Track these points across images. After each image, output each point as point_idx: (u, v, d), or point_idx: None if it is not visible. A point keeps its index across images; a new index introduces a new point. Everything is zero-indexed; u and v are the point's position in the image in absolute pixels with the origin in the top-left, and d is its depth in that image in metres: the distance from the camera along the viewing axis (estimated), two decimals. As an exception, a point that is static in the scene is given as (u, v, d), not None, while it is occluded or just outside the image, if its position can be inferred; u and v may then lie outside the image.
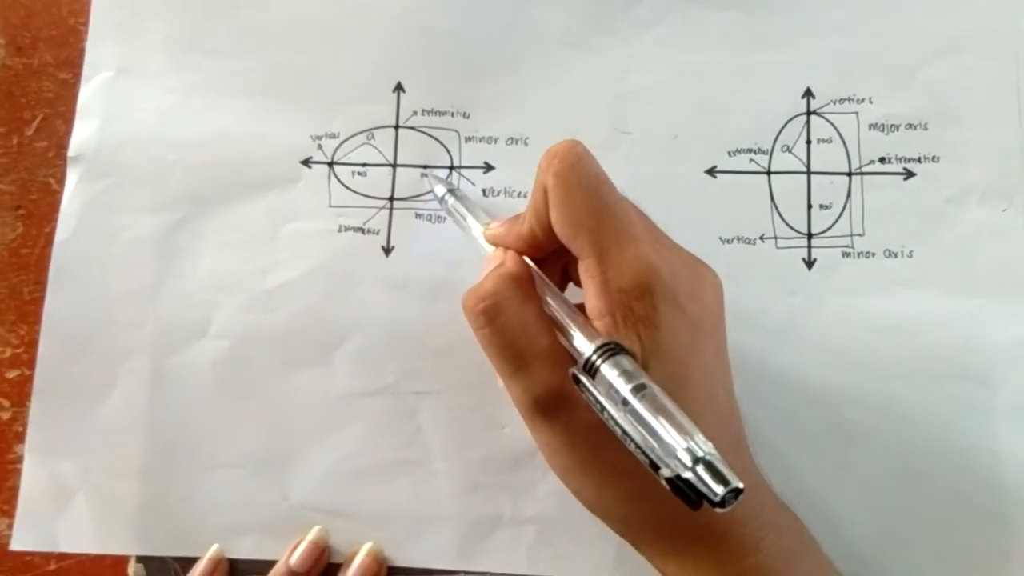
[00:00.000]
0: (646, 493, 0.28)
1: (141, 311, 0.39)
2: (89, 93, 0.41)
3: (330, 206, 0.40)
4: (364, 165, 0.40)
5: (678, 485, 0.23)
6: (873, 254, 0.38)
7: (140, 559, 0.38)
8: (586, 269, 0.28)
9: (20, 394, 0.39)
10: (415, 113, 0.40)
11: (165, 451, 0.38)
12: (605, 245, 0.28)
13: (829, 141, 0.39)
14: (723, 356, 0.31)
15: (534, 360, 0.28)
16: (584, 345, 0.27)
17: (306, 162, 0.40)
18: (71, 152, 0.40)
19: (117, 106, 0.41)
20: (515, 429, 0.37)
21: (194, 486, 0.38)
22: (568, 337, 0.28)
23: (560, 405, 0.28)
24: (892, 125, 0.39)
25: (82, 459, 0.38)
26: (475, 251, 0.35)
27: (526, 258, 0.31)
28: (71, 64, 0.42)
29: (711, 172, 0.39)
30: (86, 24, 0.42)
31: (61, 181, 0.41)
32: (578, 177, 0.28)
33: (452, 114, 0.40)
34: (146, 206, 0.40)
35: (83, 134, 0.41)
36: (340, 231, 0.40)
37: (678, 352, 0.28)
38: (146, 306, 0.39)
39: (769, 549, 0.29)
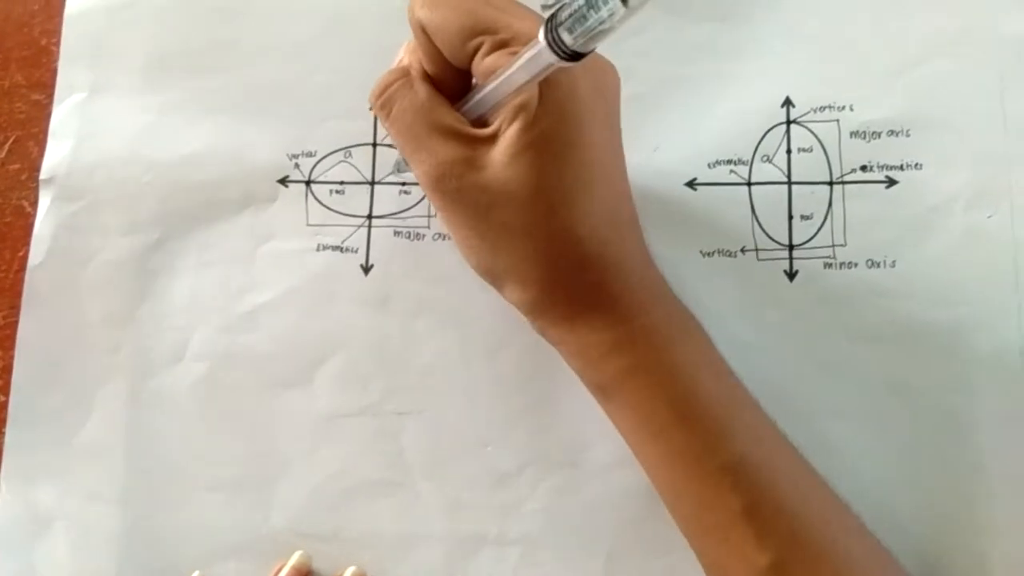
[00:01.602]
0: (544, 254, 0.31)
1: (117, 335, 0.39)
2: (62, 114, 0.41)
3: (308, 225, 0.39)
4: (342, 183, 0.40)
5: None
6: (855, 264, 0.37)
7: (121, 587, 0.37)
8: (485, 52, 0.29)
9: (-4, 420, 0.39)
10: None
11: (144, 476, 0.38)
12: (501, 25, 0.29)
13: (810, 150, 0.39)
14: (619, 146, 0.33)
15: (428, 138, 0.31)
16: None
17: (283, 181, 0.40)
18: (43, 174, 0.40)
19: (90, 127, 0.40)
20: (499, 448, 0.37)
21: (174, 511, 0.37)
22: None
23: (453, 174, 0.30)
24: (874, 132, 0.38)
25: (59, 486, 0.38)
26: (457, 269, 0.36)
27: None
28: (43, 85, 0.41)
29: (691, 185, 0.38)
30: (58, 44, 0.41)
31: (35, 204, 0.40)
32: None
33: (430, 129, 0.40)
34: (120, 228, 0.39)
35: (56, 156, 0.40)
36: (318, 250, 0.39)
37: (576, 114, 0.30)
38: (122, 330, 0.39)
39: (658, 315, 0.32)
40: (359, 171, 0.40)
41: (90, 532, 0.37)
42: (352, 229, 0.39)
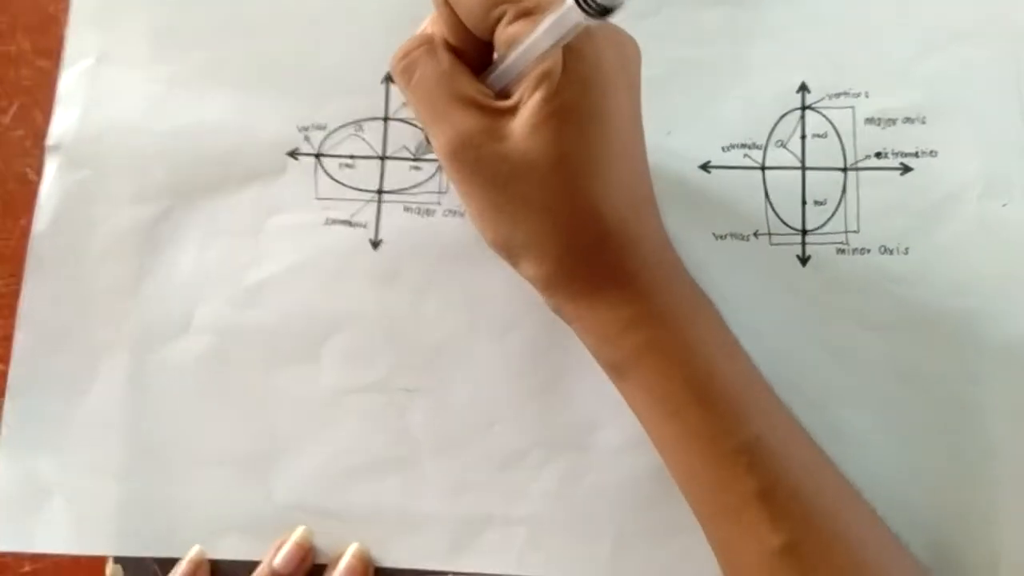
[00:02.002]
0: (563, 227, 0.30)
1: (121, 305, 0.38)
2: (70, 81, 0.40)
3: (317, 198, 0.39)
4: (352, 157, 0.39)
5: None
6: (868, 251, 0.37)
7: (118, 560, 0.36)
8: (508, 21, 0.29)
9: (-5, 390, 0.38)
10: (404, 104, 0.39)
11: (145, 449, 0.37)
12: None
13: (824, 136, 0.38)
14: (639, 122, 0.32)
15: (448, 106, 0.30)
16: None
17: (293, 154, 0.39)
18: (50, 141, 0.39)
19: (98, 95, 0.40)
20: (507, 428, 0.37)
21: (175, 485, 0.37)
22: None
23: (472, 145, 0.30)
24: (889, 119, 0.38)
25: (60, 457, 0.37)
26: (467, 246, 0.36)
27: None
28: (50, 52, 0.41)
29: (705, 167, 0.38)
30: (66, 11, 0.41)
31: (38, 171, 0.39)
32: None
33: (442, 106, 0.39)
34: (127, 197, 0.39)
35: (63, 123, 0.39)
36: (327, 224, 0.39)
37: (600, 85, 0.29)
38: (126, 300, 0.38)
39: (675, 293, 0.32)
40: (370, 145, 0.39)
41: (90, 505, 0.37)
42: (361, 204, 0.39)
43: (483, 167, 0.30)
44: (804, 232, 0.38)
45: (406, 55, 0.31)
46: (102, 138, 0.39)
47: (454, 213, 0.38)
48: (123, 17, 0.40)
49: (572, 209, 0.30)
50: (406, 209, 0.39)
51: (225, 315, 0.38)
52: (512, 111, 0.30)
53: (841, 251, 0.37)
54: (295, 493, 0.37)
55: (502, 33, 0.29)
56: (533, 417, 0.37)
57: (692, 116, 0.39)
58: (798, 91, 0.39)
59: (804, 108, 0.39)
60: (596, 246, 0.30)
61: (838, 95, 0.38)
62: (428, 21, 0.33)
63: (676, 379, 0.31)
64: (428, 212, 0.39)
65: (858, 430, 0.36)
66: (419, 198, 0.39)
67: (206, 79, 0.40)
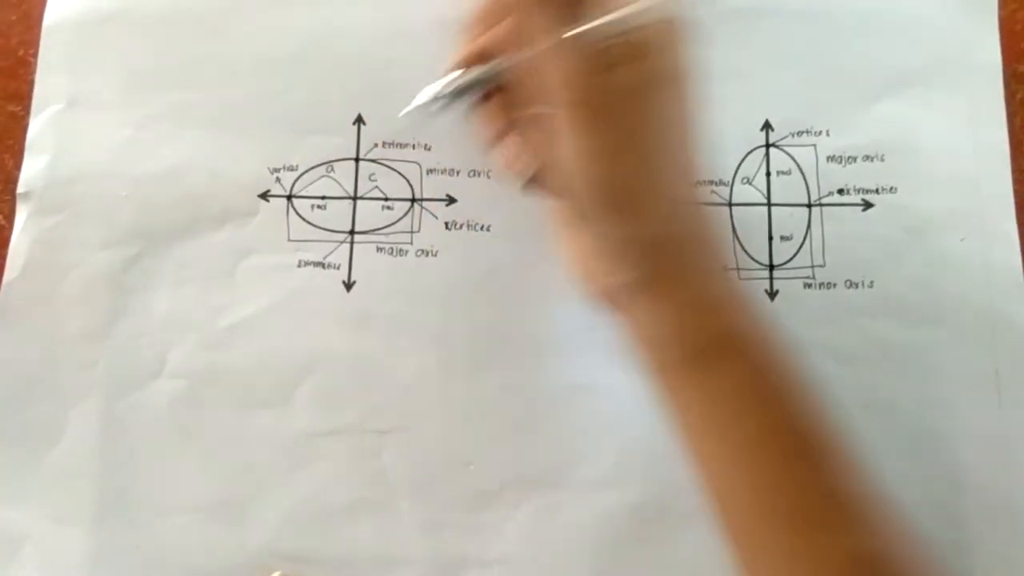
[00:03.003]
0: (670, 174, 0.30)
1: (93, 351, 0.38)
2: (39, 127, 0.40)
3: (289, 240, 0.39)
4: (324, 198, 0.39)
5: None
6: (834, 285, 0.38)
7: (91, 609, 0.36)
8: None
9: (-36, 438, 0.38)
10: (376, 145, 0.40)
11: (118, 496, 0.37)
12: None
13: (788, 173, 0.39)
14: (688, 109, 0.32)
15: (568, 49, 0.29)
16: None
17: (264, 195, 0.39)
18: (20, 188, 0.39)
19: (68, 140, 0.40)
20: (480, 466, 0.37)
21: (149, 532, 0.37)
22: None
23: (604, 66, 0.29)
24: (850, 157, 0.39)
25: (31, 506, 0.37)
26: (439, 286, 0.36)
27: None
28: (20, 97, 0.41)
29: (674, 204, 0.39)
30: (36, 55, 0.41)
31: (9, 217, 0.39)
32: None
33: (413, 146, 0.40)
34: (98, 242, 0.39)
35: (33, 169, 0.39)
36: (300, 266, 0.39)
37: (688, 69, 0.30)
38: (98, 345, 0.38)
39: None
40: (341, 186, 0.39)
41: (61, 555, 0.36)
42: (334, 245, 0.39)
43: (621, 83, 0.29)
44: (771, 267, 0.38)
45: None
46: (72, 183, 0.39)
47: (426, 253, 0.39)
48: (92, 61, 0.41)
49: (687, 156, 0.31)
50: (379, 249, 0.39)
51: (198, 359, 0.38)
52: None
53: (808, 285, 0.38)
54: (270, 538, 0.36)
55: None
56: (507, 456, 0.37)
57: (659, 154, 0.39)
58: (762, 129, 0.40)
59: (768, 146, 0.39)
60: (693, 203, 0.31)
61: (800, 133, 0.39)
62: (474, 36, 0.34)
63: (770, 364, 0.29)
64: (401, 252, 0.39)
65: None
66: (391, 238, 0.39)
67: (176, 122, 0.40)
